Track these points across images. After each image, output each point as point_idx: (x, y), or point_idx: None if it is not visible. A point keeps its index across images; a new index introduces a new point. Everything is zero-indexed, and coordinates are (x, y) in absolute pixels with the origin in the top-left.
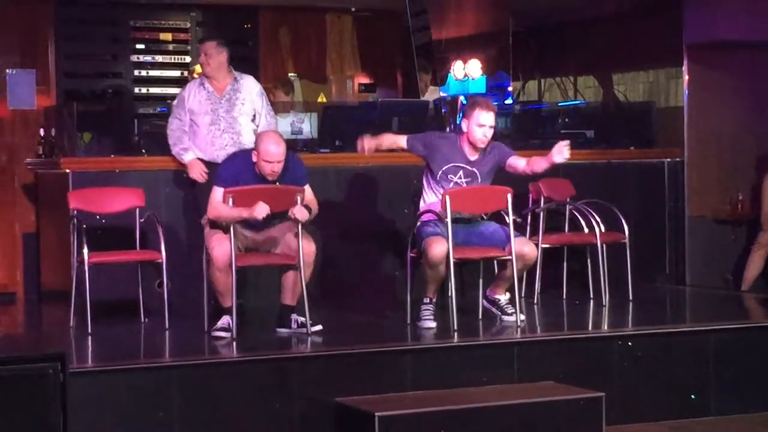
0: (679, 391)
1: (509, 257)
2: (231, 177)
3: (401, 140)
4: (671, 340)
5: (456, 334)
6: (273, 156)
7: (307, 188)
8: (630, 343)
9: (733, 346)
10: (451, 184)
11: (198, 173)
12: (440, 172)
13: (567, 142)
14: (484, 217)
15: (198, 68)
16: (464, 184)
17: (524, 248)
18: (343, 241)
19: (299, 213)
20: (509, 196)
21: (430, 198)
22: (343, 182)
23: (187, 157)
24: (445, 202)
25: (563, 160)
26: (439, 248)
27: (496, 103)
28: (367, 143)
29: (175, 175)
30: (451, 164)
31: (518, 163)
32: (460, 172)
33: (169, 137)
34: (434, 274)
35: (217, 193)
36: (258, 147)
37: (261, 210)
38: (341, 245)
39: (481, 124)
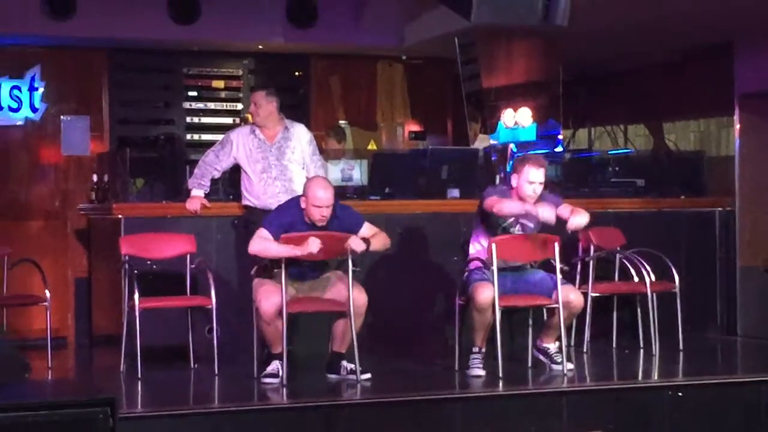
0: None
1: (556, 305)
2: (281, 225)
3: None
4: (722, 391)
5: (504, 382)
6: (322, 201)
7: (366, 227)
8: (680, 394)
9: None
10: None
11: (195, 205)
12: (500, 228)
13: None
14: (533, 265)
15: (250, 116)
16: None
17: (570, 296)
18: (393, 288)
19: (354, 243)
20: (556, 245)
21: (480, 246)
22: (393, 229)
23: (196, 192)
24: (492, 250)
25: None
26: (486, 293)
27: (546, 151)
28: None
29: (226, 222)
30: (510, 219)
31: (564, 214)
32: (518, 226)
33: (198, 166)
34: (482, 319)
35: (264, 231)
36: (306, 192)
37: (313, 244)
38: (391, 292)
39: (531, 182)
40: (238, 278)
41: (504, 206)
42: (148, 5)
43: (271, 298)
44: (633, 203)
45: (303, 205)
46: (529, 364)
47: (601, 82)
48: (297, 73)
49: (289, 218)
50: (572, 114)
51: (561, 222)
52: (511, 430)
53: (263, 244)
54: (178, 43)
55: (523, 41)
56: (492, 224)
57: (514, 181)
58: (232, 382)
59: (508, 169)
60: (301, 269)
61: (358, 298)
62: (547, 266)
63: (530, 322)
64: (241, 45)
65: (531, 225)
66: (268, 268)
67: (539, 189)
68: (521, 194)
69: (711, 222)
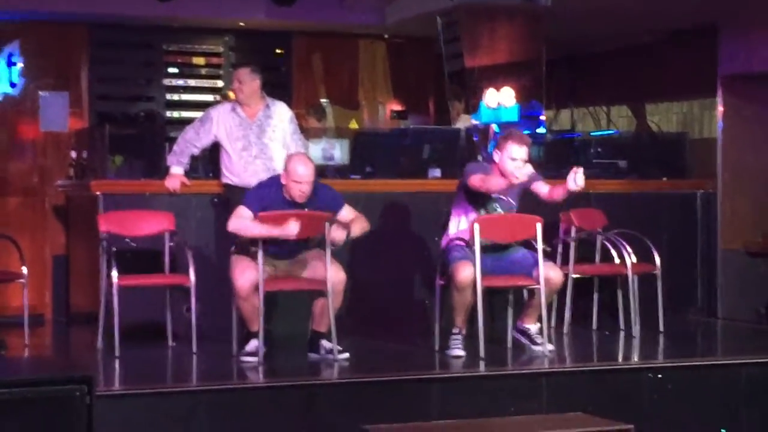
0: (710, 424)
1: (537, 286)
2: (260, 202)
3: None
4: (702, 373)
5: (484, 363)
6: (302, 177)
7: (346, 209)
8: (660, 376)
9: (764, 380)
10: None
11: (174, 184)
12: (487, 203)
13: (580, 168)
14: (513, 244)
15: (231, 93)
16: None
17: (550, 273)
18: (373, 267)
19: (335, 233)
20: (539, 225)
21: (461, 225)
22: (373, 209)
23: (175, 169)
24: (474, 230)
25: (577, 187)
26: (466, 271)
27: (528, 132)
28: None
29: (206, 200)
30: (495, 195)
31: (541, 189)
32: (502, 203)
33: (177, 142)
34: (462, 299)
35: (243, 210)
36: (287, 168)
37: (292, 227)
38: (371, 272)
39: (514, 158)
40: (217, 256)
41: (492, 184)
42: None
43: (246, 273)
44: (615, 185)
45: (283, 182)
46: (509, 345)
47: (585, 63)
48: (278, 51)
49: (269, 196)
50: (555, 95)
51: (539, 201)
52: (491, 411)
53: (242, 222)
54: (158, 19)
55: (506, 20)
56: (477, 201)
57: (496, 157)
58: (211, 361)
59: (489, 150)
60: (280, 248)
61: (335, 275)
62: (528, 244)
63: (510, 302)
64: (222, 22)
65: (513, 203)
66: (247, 245)
67: (522, 166)
68: (503, 171)
69: (692, 204)
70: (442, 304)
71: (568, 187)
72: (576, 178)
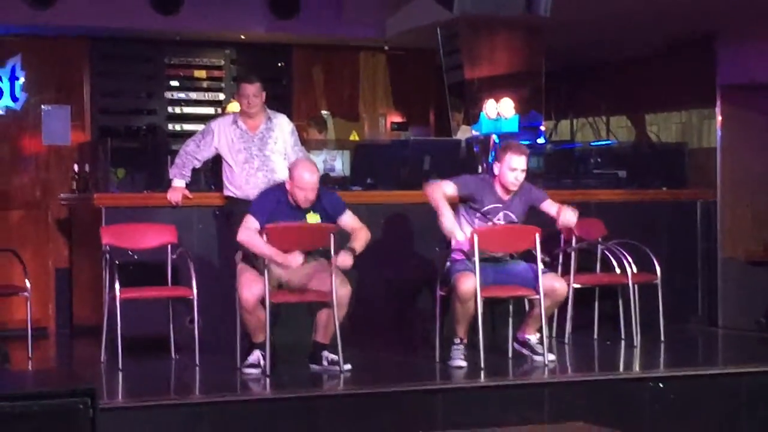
0: None
1: (538, 297)
2: (265, 209)
3: (450, 189)
4: (703, 383)
5: (486, 373)
6: (307, 184)
7: (348, 214)
8: (661, 385)
9: (765, 388)
10: (490, 224)
11: (176, 197)
12: (482, 213)
13: (567, 208)
14: (514, 257)
15: (231, 106)
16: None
17: (555, 284)
18: (375, 278)
19: (342, 261)
20: (537, 236)
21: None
22: (374, 220)
23: (177, 182)
24: (473, 241)
25: (569, 222)
26: (468, 283)
27: (528, 142)
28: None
29: (208, 212)
30: (492, 205)
31: (550, 210)
32: (500, 214)
33: (179, 155)
34: (464, 310)
35: (251, 221)
36: (292, 174)
37: (295, 260)
38: (372, 282)
39: (513, 168)
40: (219, 268)
41: (435, 199)
42: None
43: (252, 287)
44: (615, 194)
45: (288, 187)
46: (510, 355)
47: (584, 74)
48: (279, 64)
49: (273, 201)
50: (555, 105)
51: (541, 213)
52: (493, 421)
53: (251, 237)
54: (160, 32)
55: (506, 32)
56: (469, 210)
57: (496, 169)
58: (214, 373)
59: (490, 160)
60: None
61: (341, 289)
62: (529, 257)
63: (511, 313)
64: (223, 35)
65: (514, 217)
66: (254, 255)
67: (521, 176)
68: (504, 182)
69: (692, 213)
70: (443, 314)
71: (558, 224)
72: (565, 216)
